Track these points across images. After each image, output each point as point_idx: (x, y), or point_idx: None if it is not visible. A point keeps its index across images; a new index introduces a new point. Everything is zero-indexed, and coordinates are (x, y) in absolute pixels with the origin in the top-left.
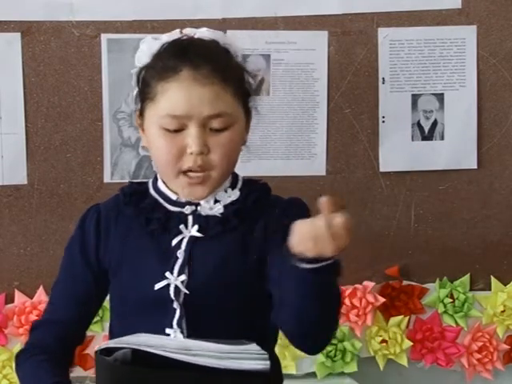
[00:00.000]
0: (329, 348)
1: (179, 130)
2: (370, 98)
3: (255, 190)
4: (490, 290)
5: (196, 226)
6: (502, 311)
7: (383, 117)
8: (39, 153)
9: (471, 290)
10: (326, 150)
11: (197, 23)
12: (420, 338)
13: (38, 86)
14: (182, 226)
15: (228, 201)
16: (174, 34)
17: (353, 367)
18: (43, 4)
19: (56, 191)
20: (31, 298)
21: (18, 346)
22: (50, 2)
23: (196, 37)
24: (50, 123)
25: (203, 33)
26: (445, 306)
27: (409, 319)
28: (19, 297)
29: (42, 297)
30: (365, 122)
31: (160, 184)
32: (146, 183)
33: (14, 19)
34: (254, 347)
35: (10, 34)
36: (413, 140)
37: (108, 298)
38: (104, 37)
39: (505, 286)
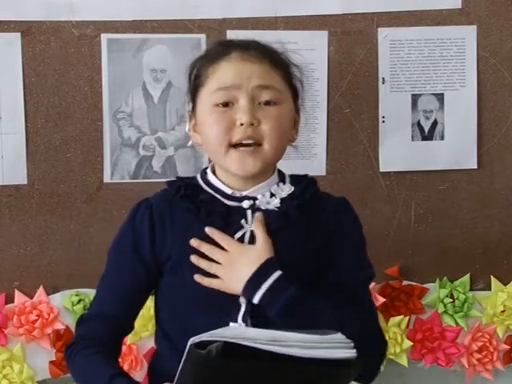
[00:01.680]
0: None
1: (229, 105)
2: (369, 98)
3: (309, 184)
4: (490, 289)
5: None
6: (502, 311)
7: (383, 117)
8: (39, 153)
9: (471, 290)
10: (326, 150)
11: (197, 23)
12: (420, 337)
13: (38, 86)
14: (243, 221)
15: (283, 195)
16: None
17: None
18: (43, 4)
19: (56, 191)
20: (31, 298)
21: (18, 345)
22: (50, 2)
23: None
24: (50, 123)
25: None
26: (445, 306)
27: (409, 319)
28: (19, 297)
29: (42, 297)
30: (365, 122)
31: (212, 178)
32: (194, 178)
33: (14, 19)
34: (339, 336)
35: (10, 33)
36: (413, 140)
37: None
38: (104, 37)
39: (505, 285)
